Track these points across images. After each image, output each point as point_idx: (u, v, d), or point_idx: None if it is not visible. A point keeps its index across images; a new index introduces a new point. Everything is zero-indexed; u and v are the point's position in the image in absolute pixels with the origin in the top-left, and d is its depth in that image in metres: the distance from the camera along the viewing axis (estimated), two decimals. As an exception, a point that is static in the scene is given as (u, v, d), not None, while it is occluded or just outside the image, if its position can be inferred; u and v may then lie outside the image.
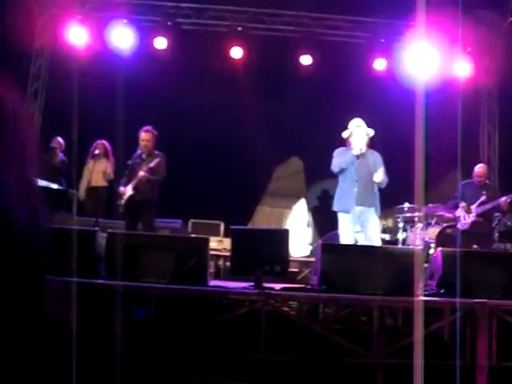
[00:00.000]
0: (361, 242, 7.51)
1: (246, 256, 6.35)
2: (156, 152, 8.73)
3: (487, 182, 9.41)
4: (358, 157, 7.64)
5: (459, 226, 9.06)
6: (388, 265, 6.17)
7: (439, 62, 11.67)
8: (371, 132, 7.80)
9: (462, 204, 9.05)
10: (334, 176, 7.86)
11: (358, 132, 7.71)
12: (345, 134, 7.84)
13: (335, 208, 7.73)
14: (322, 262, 6.12)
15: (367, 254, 6.34)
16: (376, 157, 7.86)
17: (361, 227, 7.65)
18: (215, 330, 5.97)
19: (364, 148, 7.67)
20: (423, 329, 5.03)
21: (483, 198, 8.97)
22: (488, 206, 8.96)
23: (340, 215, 7.66)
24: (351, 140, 7.75)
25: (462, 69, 12.17)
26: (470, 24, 12.13)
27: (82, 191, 10.12)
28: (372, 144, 11.24)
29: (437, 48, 11.55)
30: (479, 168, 9.32)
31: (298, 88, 11.94)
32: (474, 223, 8.96)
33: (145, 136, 8.68)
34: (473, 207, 8.97)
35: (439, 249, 6.79)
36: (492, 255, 7.19)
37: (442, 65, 11.72)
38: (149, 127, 8.76)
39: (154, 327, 5.96)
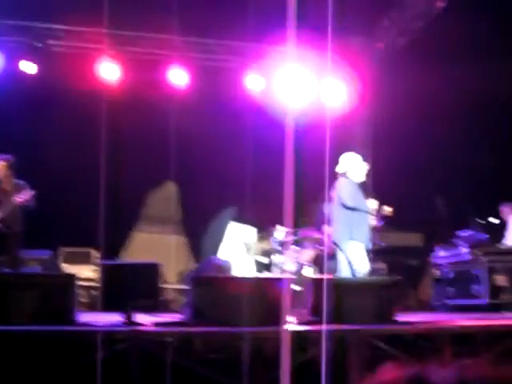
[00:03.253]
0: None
1: (117, 291, 6.17)
2: (19, 182, 8.36)
3: None
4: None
5: (328, 248, 9.21)
6: (259, 295, 6.14)
7: (311, 87, 11.89)
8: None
9: (327, 227, 9.21)
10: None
11: (359, 165, 8.07)
12: (341, 169, 8.03)
13: (359, 240, 7.85)
14: (194, 295, 6.03)
15: (239, 285, 6.28)
16: None
17: None
18: (84, 369, 5.72)
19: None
20: (290, 359, 5.06)
21: None
22: None
23: (360, 245, 7.83)
24: (352, 173, 8.02)
25: (335, 94, 12.43)
26: (341, 50, 12.46)
27: None
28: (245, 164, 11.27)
29: (309, 73, 11.76)
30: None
31: (172, 111, 11.81)
32: None
33: None
34: None
35: (311, 276, 6.86)
36: (362, 281, 7.32)
37: (314, 90, 11.95)
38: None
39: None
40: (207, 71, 12.04)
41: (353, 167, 8.02)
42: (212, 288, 6.07)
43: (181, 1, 9.65)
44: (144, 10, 10.53)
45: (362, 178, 8.01)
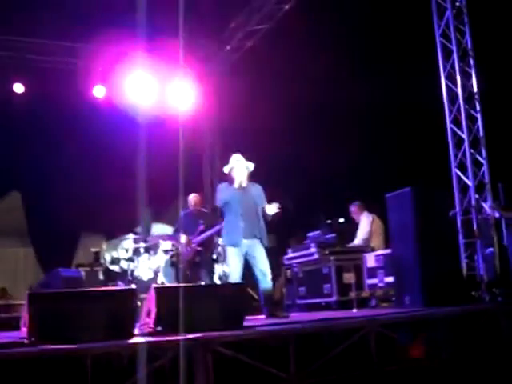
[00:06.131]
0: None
1: None
2: None
3: (203, 210, 9.71)
4: (240, 190, 7.73)
5: (182, 256, 9.18)
6: (103, 307, 5.90)
7: (159, 91, 11.73)
8: (251, 166, 7.88)
9: (182, 235, 9.23)
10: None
11: (238, 166, 7.82)
12: (226, 169, 7.92)
13: (223, 242, 8.00)
14: (31, 313, 5.67)
15: (80, 299, 6.00)
16: (258, 189, 7.96)
17: (250, 260, 7.72)
18: None
19: (244, 182, 7.77)
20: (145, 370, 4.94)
21: (201, 227, 9.25)
22: (206, 234, 9.27)
23: (228, 249, 7.76)
24: (233, 174, 7.84)
25: (183, 98, 12.30)
26: (190, 53, 12.37)
27: None
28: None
29: (156, 77, 11.61)
30: (192, 197, 9.62)
31: (13, 117, 11.25)
32: (195, 253, 9.15)
33: None
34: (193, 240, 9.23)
35: (152, 285, 6.68)
36: (206, 288, 7.26)
37: (161, 94, 11.81)
38: None
39: None
40: (47, 73, 11.54)
41: (233, 167, 7.95)
42: (54, 303, 5.75)
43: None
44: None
45: (242, 177, 7.86)
